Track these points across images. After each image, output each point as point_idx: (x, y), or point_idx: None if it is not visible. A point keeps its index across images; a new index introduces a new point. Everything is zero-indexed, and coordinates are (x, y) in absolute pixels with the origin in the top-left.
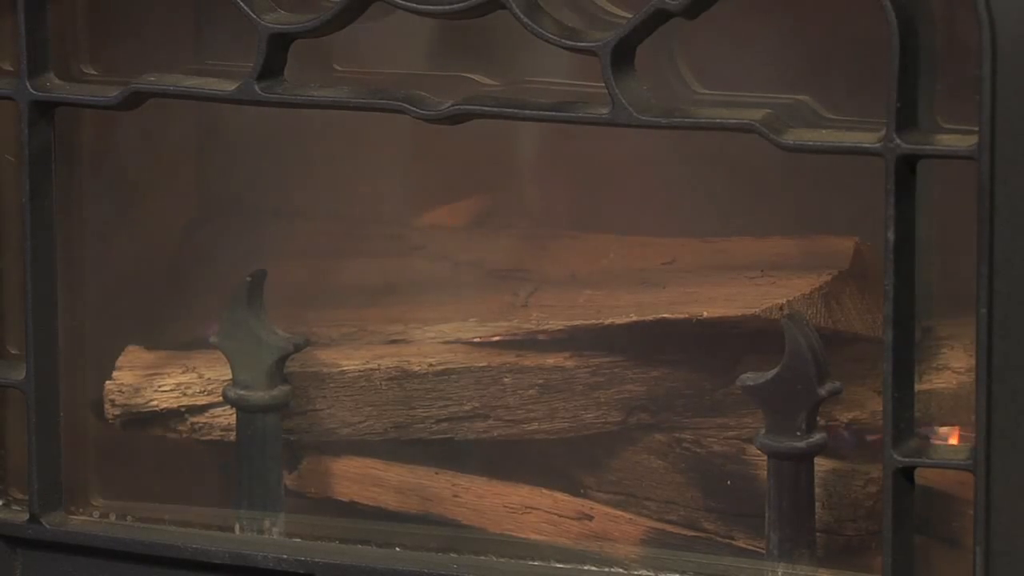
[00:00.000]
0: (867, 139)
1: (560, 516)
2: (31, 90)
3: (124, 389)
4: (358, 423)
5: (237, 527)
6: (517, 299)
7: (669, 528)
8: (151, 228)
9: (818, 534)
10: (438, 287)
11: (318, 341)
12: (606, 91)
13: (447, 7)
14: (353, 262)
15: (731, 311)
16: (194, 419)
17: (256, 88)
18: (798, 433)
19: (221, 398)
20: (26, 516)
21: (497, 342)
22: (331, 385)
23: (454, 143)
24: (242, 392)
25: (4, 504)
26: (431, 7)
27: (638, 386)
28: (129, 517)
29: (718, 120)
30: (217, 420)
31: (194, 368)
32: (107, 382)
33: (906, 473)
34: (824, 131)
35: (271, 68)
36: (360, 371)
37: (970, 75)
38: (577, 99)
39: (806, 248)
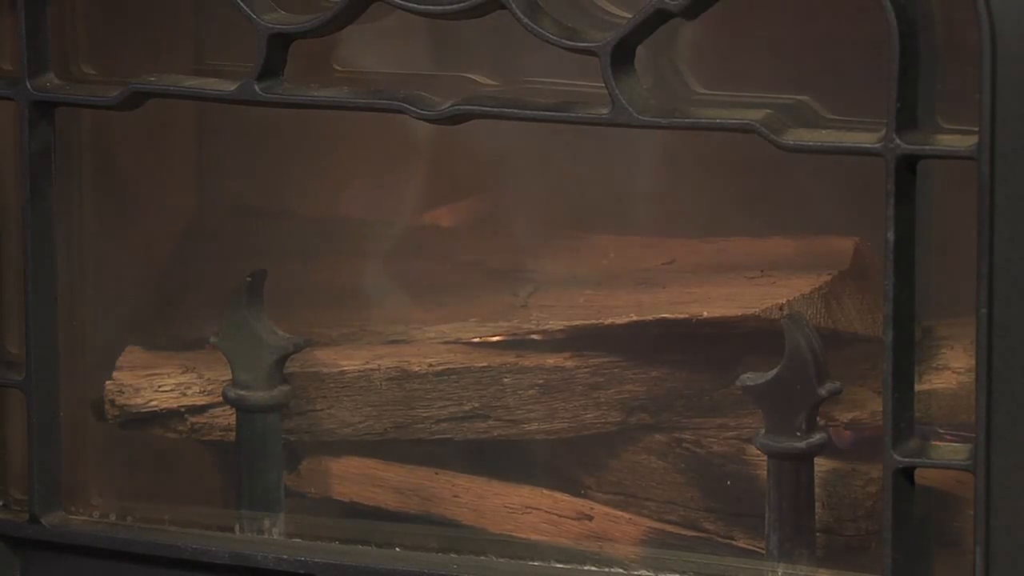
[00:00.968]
0: (867, 139)
1: (560, 516)
2: (31, 90)
3: (124, 389)
4: (358, 423)
5: (237, 527)
6: (517, 299)
7: (669, 528)
8: (151, 228)
9: (818, 534)
10: (438, 287)
11: (318, 341)
12: (606, 91)
13: (447, 7)
14: (353, 262)
15: (731, 311)
16: (194, 419)
17: (256, 88)
18: (798, 433)
19: (221, 398)
20: (26, 516)
21: (497, 342)
22: (331, 385)
23: (453, 142)
24: (242, 392)
25: (4, 504)
26: (431, 7)
27: (638, 386)
28: (129, 517)
29: (718, 120)
30: (217, 420)
31: (194, 368)
32: (107, 382)
33: (906, 473)
34: (824, 131)
35: (271, 68)
36: (360, 371)
37: (970, 75)
38: (577, 99)
39: (806, 248)
